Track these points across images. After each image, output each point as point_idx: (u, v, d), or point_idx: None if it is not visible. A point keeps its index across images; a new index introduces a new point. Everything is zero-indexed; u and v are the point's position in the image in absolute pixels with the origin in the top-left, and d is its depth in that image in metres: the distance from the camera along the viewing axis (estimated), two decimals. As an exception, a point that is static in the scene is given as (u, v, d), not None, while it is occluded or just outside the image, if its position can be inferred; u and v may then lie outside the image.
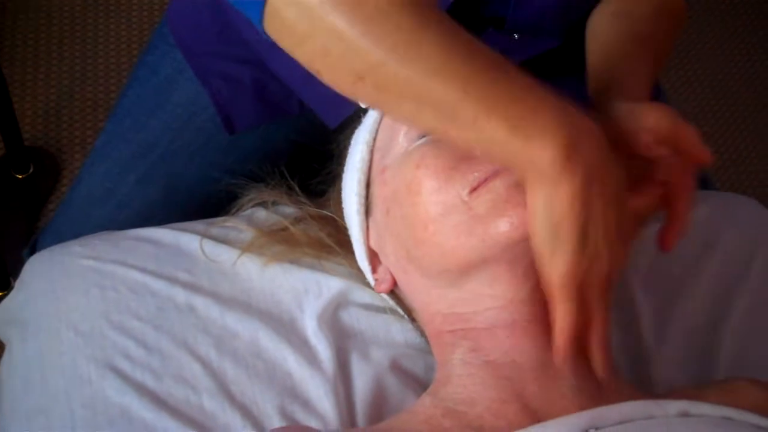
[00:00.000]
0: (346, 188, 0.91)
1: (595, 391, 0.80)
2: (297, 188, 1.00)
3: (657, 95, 1.22)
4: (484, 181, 0.78)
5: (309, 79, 0.94)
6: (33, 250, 1.20)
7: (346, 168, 0.92)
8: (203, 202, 1.13)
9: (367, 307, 0.96)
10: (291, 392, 0.90)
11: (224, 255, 0.97)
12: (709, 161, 0.78)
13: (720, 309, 1.01)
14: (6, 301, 1.01)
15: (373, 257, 0.91)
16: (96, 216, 1.14)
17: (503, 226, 0.76)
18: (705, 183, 1.24)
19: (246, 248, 0.97)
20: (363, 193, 0.89)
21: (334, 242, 0.96)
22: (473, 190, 0.78)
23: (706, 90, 2.31)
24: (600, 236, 0.71)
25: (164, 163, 1.14)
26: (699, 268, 1.04)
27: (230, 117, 1.13)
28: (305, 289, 0.96)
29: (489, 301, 0.80)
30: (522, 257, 0.77)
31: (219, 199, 1.05)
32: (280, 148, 1.16)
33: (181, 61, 1.16)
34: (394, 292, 0.91)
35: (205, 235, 0.99)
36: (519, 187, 0.76)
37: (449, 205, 0.79)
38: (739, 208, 1.13)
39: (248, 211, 1.01)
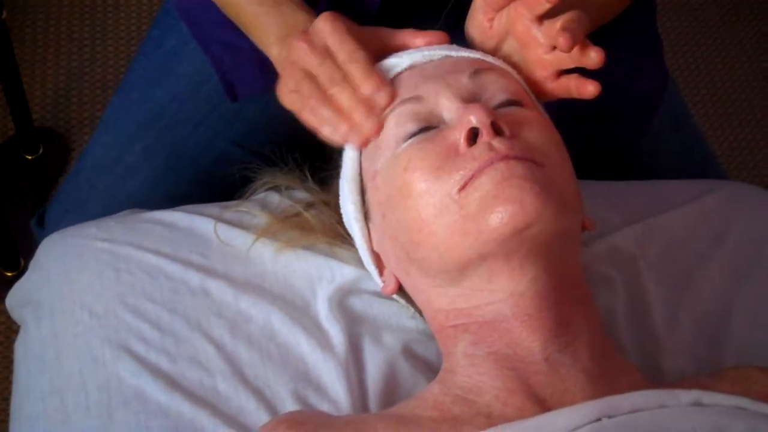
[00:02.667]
0: (343, 196, 0.91)
1: (606, 380, 0.81)
2: (309, 175, 1.00)
3: (665, 83, 1.21)
4: (471, 179, 0.78)
5: None
6: (40, 221, 1.20)
7: (341, 175, 0.92)
8: (209, 171, 1.14)
9: (380, 295, 0.96)
10: (304, 376, 0.90)
11: (238, 239, 0.98)
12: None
13: (730, 298, 1.02)
14: (20, 282, 1.01)
15: (378, 260, 0.91)
16: (102, 184, 1.14)
17: (495, 222, 0.76)
18: (716, 172, 1.24)
19: (261, 233, 0.97)
20: (359, 200, 0.89)
21: (345, 231, 0.97)
22: (461, 188, 0.78)
23: (715, 78, 2.31)
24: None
25: (170, 133, 1.14)
26: (709, 257, 1.04)
27: (232, 84, 1.13)
28: (318, 275, 0.96)
29: (489, 295, 0.81)
30: (517, 250, 0.78)
31: (223, 169, 1.06)
32: (285, 121, 1.16)
33: (186, 33, 1.16)
34: (402, 291, 0.91)
35: (219, 219, 0.99)
36: (506, 181, 0.76)
37: (440, 206, 0.79)
38: (749, 198, 1.13)
39: (261, 195, 1.02)
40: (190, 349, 0.91)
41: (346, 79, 0.86)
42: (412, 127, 0.83)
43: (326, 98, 0.87)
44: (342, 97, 0.86)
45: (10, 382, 0.97)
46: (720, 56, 2.35)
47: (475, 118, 0.79)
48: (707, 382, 0.83)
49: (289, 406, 0.88)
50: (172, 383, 0.88)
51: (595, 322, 0.84)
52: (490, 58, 0.90)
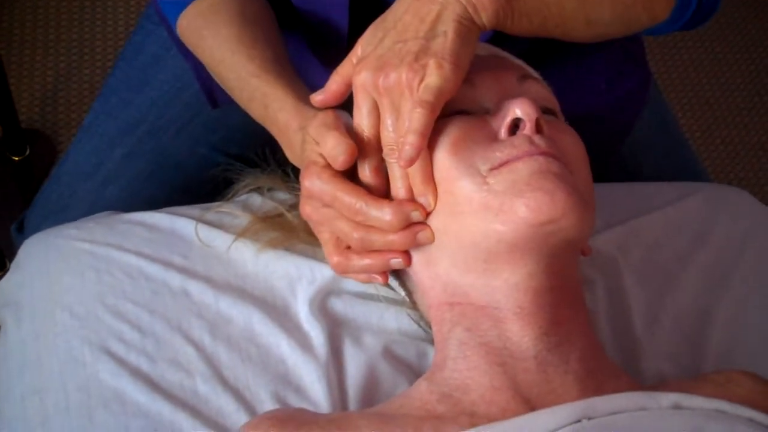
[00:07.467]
0: None
1: (593, 383, 0.81)
2: (292, 175, 1.00)
3: (647, 85, 1.21)
4: (506, 163, 0.78)
5: None
6: (21, 226, 1.20)
7: None
8: (190, 177, 1.14)
9: (360, 295, 0.96)
10: (284, 378, 0.90)
11: (219, 240, 0.97)
12: None
13: (710, 301, 1.02)
14: (1, 282, 1.01)
15: None
16: (83, 191, 1.14)
17: (520, 206, 0.76)
18: (699, 174, 1.24)
19: (241, 233, 0.97)
20: None
21: None
22: (494, 168, 0.79)
23: (702, 80, 2.32)
24: None
25: (151, 139, 1.14)
26: (690, 259, 1.04)
27: (213, 91, 1.13)
28: (299, 276, 0.96)
29: (484, 276, 0.81)
30: (528, 240, 0.78)
31: (206, 175, 1.06)
32: None
33: (167, 39, 1.16)
34: (395, 272, 0.91)
35: (200, 220, 0.99)
36: (542, 174, 0.77)
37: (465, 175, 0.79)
38: (732, 200, 1.13)
39: (243, 197, 1.01)
40: (170, 351, 0.90)
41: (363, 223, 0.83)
42: (453, 104, 0.82)
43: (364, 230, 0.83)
44: (372, 238, 0.83)
45: (-10, 384, 0.97)
46: (706, 58, 2.36)
47: (520, 110, 0.80)
48: (689, 386, 0.83)
49: (268, 407, 0.88)
50: (152, 384, 0.88)
51: (586, 328, 0.84)
52: (530, 69, 0.91)
